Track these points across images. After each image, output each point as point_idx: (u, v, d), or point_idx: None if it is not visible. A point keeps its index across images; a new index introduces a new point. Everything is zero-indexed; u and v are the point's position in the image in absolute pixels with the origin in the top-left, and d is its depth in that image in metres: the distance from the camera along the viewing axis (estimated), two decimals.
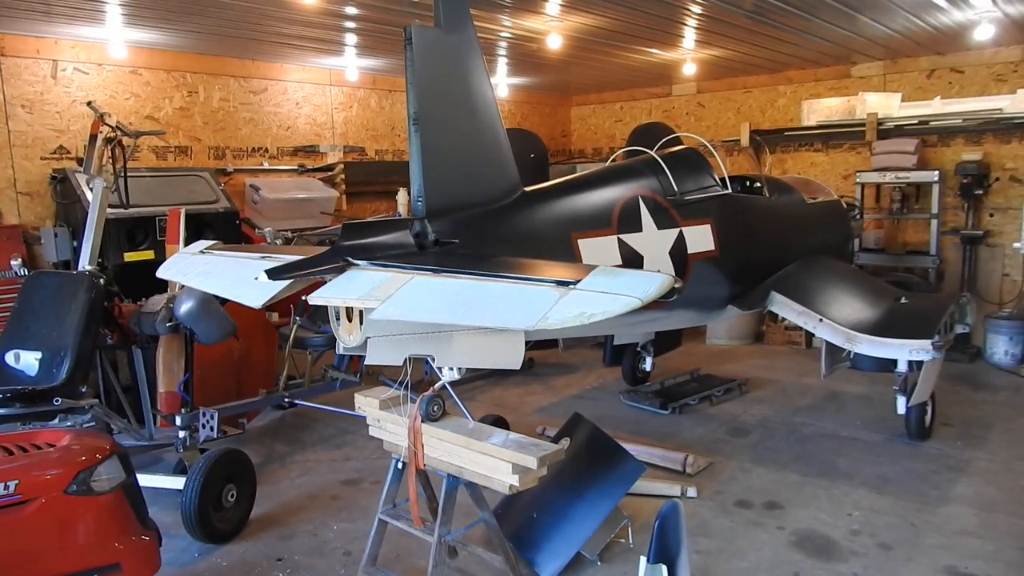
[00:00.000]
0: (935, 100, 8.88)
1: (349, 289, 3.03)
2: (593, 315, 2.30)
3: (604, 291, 2.38)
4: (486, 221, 3.81)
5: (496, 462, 3.36)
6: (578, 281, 2.49)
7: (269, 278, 3.08)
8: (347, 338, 3.38)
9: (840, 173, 9.80)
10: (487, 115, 3.83)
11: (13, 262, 6.23)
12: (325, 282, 3.31)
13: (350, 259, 3.26)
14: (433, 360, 3.39)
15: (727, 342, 9.46)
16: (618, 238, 4.48)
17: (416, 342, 3.34)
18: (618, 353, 7.56)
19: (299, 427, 6.61)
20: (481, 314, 2.58)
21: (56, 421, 4.62)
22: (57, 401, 4.49)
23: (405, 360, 3.41)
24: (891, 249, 9.35)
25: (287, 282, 3.16)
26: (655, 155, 5.18)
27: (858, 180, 9.16)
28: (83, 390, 4.67)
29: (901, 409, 5.83)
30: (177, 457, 5.06)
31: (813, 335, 8.84)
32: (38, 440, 3.32)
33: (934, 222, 8.83)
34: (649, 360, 7.47)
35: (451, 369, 3.53)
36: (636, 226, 4.64)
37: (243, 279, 3.49)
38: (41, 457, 3.15)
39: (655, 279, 2.37)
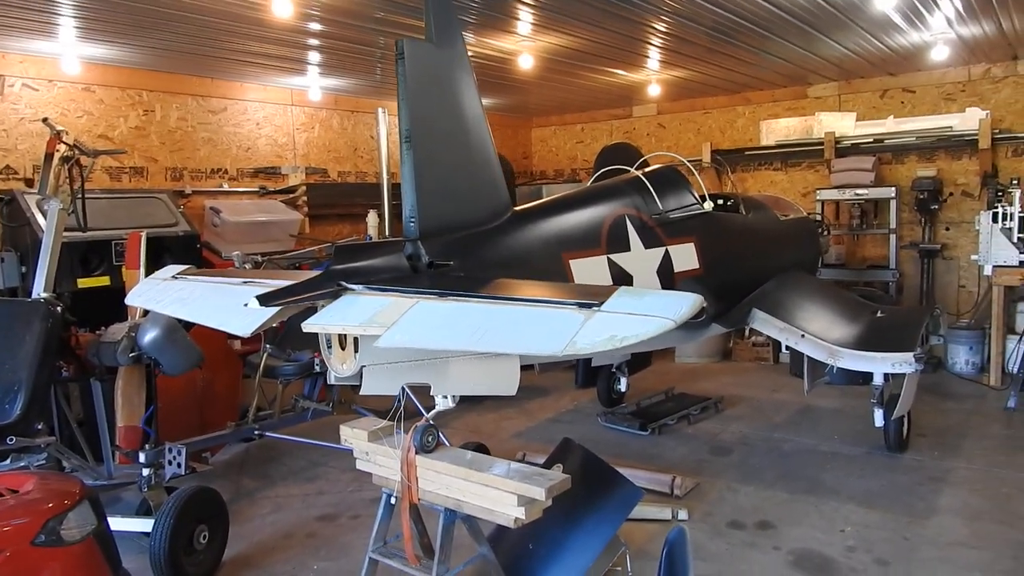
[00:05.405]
0: (889, 119, 9.16)
1: (348, 315, 2.84)
2: (625, 338, 2.17)
3: (634, 312, 2.25)
4: (480, 242, 3.67)
5: (500, 494, 3.19)
6: (601, 303, 2.37)
7: (260, 304, 2.87)
8: (340, 367, 3.19)
9: (799, 191, 9.98)
10: (479, 132, 3.72)
11: None
12: (316, 308, 3.13)
13: (344, 283, 3.08)
14: (430, 388, 3.23)
15: (696, 360, 9.46)
16: (608, 258, 4.39)
17: (414, 370, 3.16)
18: (591, 375, 7.47)
19: (266, 460, 6.30)
20: (503, 339, 2.42)
21: (8, 462, 4.29)
22: (11, 440, 4.14)
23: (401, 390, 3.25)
24: (852, 264, 9.54)
25: (277, 309, 2.95)
26: (639, 174, 5.13)
27: (818, 197, 9.34)
28: (38, 427, 4.35)
29: (879, 422, 5.88)
30: (141, 497, 4.72)
31: (780, 351, 9.13)
32: None
33: (892, 237, 9.04)
34: (624, 381, 7.38)
35: (445, 397, 3.37)
36: (624, 246, 4.57)
37: (227, 306, 3.26)
38: (3, 505, 2.87)
39: (686, 299, 2.26)
